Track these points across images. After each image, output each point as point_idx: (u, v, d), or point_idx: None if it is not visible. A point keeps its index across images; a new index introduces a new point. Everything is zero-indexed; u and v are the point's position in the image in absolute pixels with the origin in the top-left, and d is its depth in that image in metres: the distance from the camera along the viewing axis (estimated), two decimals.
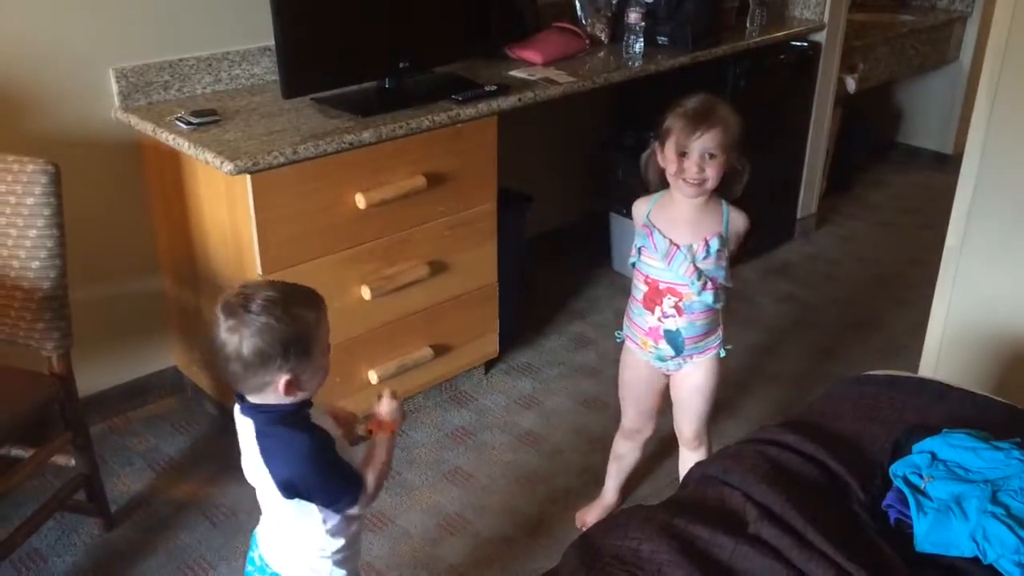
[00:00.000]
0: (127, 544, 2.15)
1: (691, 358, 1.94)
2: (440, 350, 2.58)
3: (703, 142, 1.76)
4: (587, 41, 2.99)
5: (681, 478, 2.04)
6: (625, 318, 2.01)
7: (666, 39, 3.00)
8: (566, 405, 2.70)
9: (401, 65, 2.43)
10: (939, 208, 4.10)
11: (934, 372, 2.34)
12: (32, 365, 2.00)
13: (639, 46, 2.90)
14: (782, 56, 3.34)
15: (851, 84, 3.72)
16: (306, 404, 1.39)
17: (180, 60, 2.41)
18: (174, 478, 2.38)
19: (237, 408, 1.42)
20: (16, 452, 1.98)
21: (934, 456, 1.40)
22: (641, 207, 1.92)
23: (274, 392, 1.33)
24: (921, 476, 1.36)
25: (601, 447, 2.40)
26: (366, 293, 2.32)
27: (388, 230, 2.34)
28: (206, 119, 2.23)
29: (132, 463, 2.42)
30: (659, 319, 1.89)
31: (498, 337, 2.77)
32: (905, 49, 4.06)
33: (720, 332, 1.96)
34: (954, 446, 1.40)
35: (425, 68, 2.55)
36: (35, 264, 1.88)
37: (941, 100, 4.54)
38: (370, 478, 1.41)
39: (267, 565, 1.50)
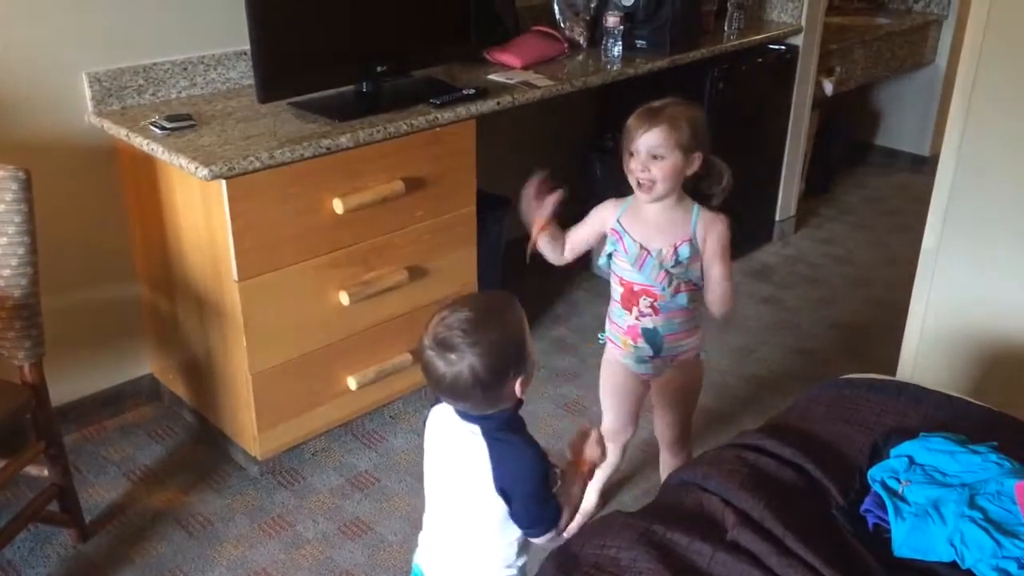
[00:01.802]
0: (102, 555, 2.12)
1: (671, 361, 1.94)
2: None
3: (647, 140, 1.74)
4: (566, 45, 2.98)
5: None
6: (607, 320, 2.00)
7: (644, 42, 3.00)
8: (546, 409, 2.69)
9: (379, 69, 2.41)
10: (916, 210, 4.12)
11: (912, 374, 2.35)
12: (3, 374, 1.97)
13: (617, 49, 2.90)
14: (760, 59, 3.36)
15: (828, 87, 3.74)
16: (520, 404, 1.39)
17: (155, 64, 2.38)
18: (150, 487, 2.35)
19: (445, 411, 1.39)
20: None
21: (912, 460, 1.40)
22: (611, 209, 1.90)
23: (509, 398, 1.32)
24: (899, 480, 1.37)
25: None
26: (344, 299, 2.30)
27: (366, 235, 2.32)
28: (181, 124, 2.20)
29: (107, 472, 2.39)
30: (636, 318, 1.89)
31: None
32: (882, 52, 4.09)
33: (700, 334, 1.95)
34: (932, 450, 1.41)
35: (403, 72, 2.53)
36: (6, 272, 1.84)
37: (918, 103, 4.58)
38: (565, 512, 1.37)
39: None
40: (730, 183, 1.85)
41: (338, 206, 2.21)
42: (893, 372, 2.41)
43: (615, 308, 1.94)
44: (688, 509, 1.36)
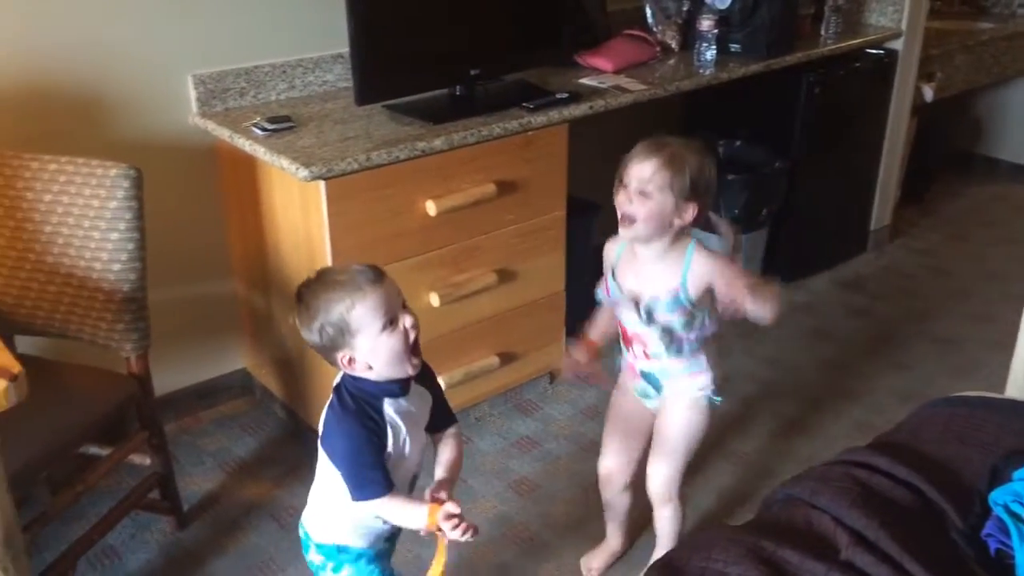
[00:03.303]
0: (198, 544, 2.18)
1: (674, 394, 1.81)
2: (506, 358, 2.56)
3: (639, 171, 1.59)
4: (658, 48, 2.95)
5: (658, 537, 1.93)
6: None
7: (739, 46, 2.94)
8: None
9: (472, 72, 2.42)
10: (1017, 221, 3.97)
11: (1022, 392, 2.24)
12: (111, 365, 2.04)
13: (711, 53, 2.85)
14: (858, 64, 3.26)
15: (929, 93, 3.61)
16: (392, 390, 1.45)
17: (256, 67, 2.44)
18: (244, 479, 2.40)
19: None
20: (94, 450, 2.01)
21: None
22: (611, 249, 1.80)
23: (343, 366, 1.43)
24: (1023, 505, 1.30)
25: None
26: (435, 300, 2.32)
27: (458, 237, 2.33)
28: (281, 125, 2.25)
29: (203, 463, 2.46)
30: (632, 360, 1.81)
31: (564, 346, 2.74)
32: (984, 58, 3.93)
33: (709, 375, 1.78)
34: None
35: (496, 76, 2.54)
36: (116, 267, 1.91)
37: (1020, 110, 4.38)
38: (396, 501, 1.45)
39: (308, 534, 1.61)
40: (733, 246, 1.71)
41: (431, 208, 2.23)
42: (997, 389, 2.30)
43: (621, 342, 1.84)
44: (796, 526, 1.32)
